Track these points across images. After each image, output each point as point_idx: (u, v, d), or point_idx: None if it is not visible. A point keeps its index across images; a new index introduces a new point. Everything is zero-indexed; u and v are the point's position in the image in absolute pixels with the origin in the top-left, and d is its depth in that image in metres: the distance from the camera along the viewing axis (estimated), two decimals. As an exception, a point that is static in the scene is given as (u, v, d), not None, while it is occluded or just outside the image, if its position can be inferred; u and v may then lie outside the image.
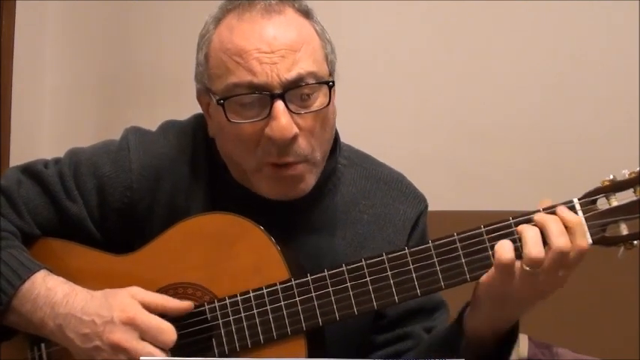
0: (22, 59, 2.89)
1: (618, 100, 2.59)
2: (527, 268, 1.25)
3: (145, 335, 1.31)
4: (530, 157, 2.66)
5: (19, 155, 2.78)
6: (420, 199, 1.52)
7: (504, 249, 1.26)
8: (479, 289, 1.30)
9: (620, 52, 2.60)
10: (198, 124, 1.49)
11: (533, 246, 1.25)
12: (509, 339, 1.35)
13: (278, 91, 1.32)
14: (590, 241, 1.26)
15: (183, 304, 1.35)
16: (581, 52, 2.63)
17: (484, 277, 1.28)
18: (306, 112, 1.34)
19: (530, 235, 1.26)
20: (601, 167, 2.46)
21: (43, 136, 3.00)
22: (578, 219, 1.26)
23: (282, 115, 1.31)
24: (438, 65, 2.73)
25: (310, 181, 1.39)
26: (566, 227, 1.26)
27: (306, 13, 1.39)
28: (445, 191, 2.58)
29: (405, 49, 2.75)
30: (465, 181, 2.69)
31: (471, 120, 2.70)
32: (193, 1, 2.80)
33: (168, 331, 1.32)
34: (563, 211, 1.27)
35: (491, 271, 1.27)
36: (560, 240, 1.24)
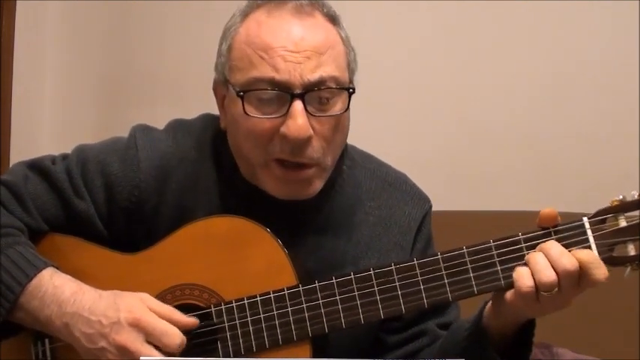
0: (22, 59, 2.88)
1: (618, 100, 2.59)
2: (545, 294, 1.25)
3: (150, 337, 1.31)
4: (530, 157, 2.65)
5: (19, 155, 2.77)
6: (424, 200, 1.53)
7: (524, 277, 1.26)
8: (501, 307, 1.31)
9: (620, 52, 2.60)
10: (206, 123, 1.49)
11: (543, 271, 1.25)
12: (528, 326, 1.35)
13: (298, 91, 1.33)
14: (596, 253, 1.27)
15: (189, 320, 1.35)
16: (581, 52, 2.63)
17: (508, 299, 1.28)
18: (323, 116, 1.35)
19: (537, 260, 1.26)
20: (601, 168, 2.49)
21: (43, 136, 2.99)
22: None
23: (299, 115, 1.32)
24: (438, 65, 2.72)
25: (318, 185, 1.39)
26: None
27: (334, 19, 1.41)
28: (445, 191, 2.57)
29: (405, 49, 2.75)
30: (465, 181, 2.69)
31: (471, 120, 2.70)
32: (194, 1, 2.81)
33: (174, 335, 1.32)
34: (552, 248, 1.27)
35: (513, 296, 1.28)
36: (562, 261, 1.25)
